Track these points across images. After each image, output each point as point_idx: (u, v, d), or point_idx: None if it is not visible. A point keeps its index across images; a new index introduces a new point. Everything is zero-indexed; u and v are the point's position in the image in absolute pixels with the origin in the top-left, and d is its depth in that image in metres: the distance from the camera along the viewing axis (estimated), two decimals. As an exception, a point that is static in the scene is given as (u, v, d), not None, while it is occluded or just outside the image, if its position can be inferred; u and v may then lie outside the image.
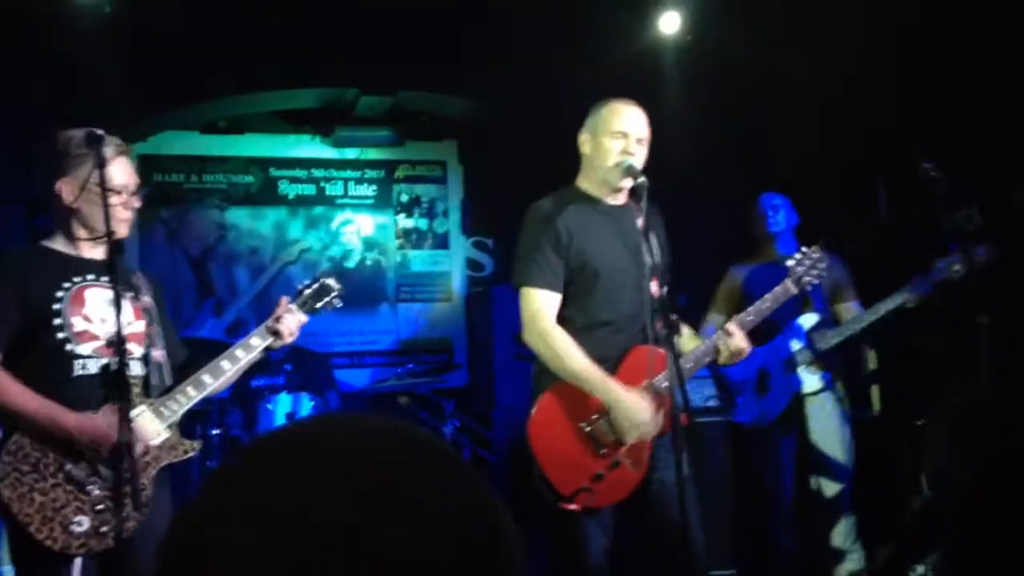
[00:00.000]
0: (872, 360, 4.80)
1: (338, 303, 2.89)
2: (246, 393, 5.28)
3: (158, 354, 2.66)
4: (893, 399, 4.65)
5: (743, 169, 5.31)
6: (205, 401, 4.97)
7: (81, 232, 2.59)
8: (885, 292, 3.93)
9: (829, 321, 4.17)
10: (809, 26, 4.74)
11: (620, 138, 2.92)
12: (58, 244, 2.60)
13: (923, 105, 4.50)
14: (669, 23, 5.29)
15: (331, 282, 2.87)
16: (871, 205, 4.62)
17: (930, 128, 4.38)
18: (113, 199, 2.53)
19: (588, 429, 2.82)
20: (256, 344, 2.71)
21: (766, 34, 4.98)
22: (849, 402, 4.28)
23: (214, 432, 5.03)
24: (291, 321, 2.74)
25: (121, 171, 2.60)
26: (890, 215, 4.33)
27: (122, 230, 2.61)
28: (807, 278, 3.09)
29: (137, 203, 2.64)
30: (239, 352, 2.68)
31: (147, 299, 2.71)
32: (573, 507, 2.78)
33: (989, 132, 4.20)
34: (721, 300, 4.38)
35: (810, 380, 4.13)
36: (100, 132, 2.43)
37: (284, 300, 2.79)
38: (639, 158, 2.92)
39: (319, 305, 2.85)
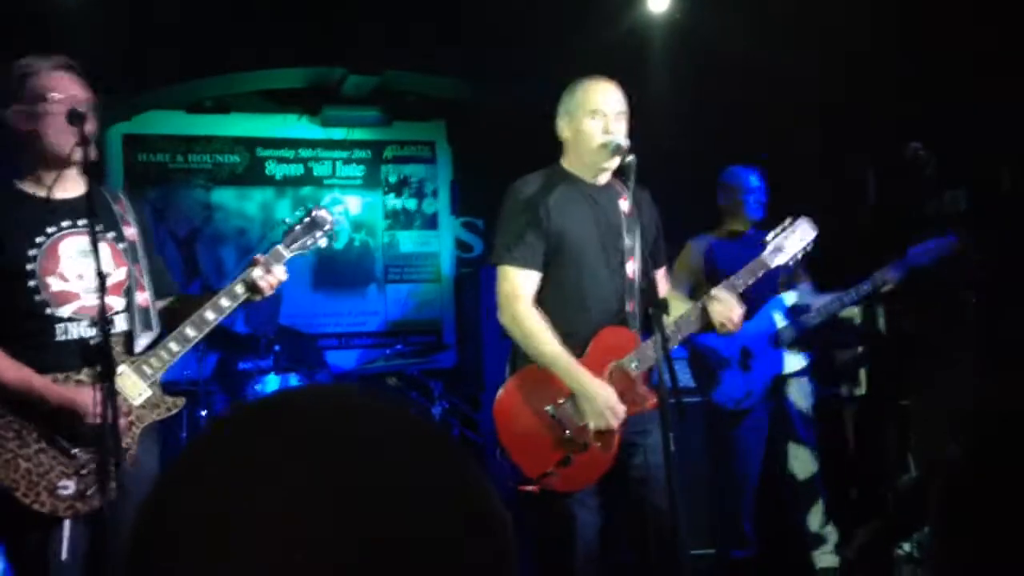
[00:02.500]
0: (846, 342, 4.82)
1: (332, 237, 2.71)
2: (234, 375, 5.26)
3: (142, 297, 2.56)
4: (880, 379, 4.67)
5: (732, 149, 5.30)
6: (192, 382, 5.02)
7: (45, 166, 2.45)
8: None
9: (810, 299, 4.16)
10: (798, 5, 4.72)
11: (599, 117, 2.88)
12: (28, 185, 2.47)
13: (916, 90, 4.49)
14: (658, 2, 5.26)
15: (324, 214, 2.68)
16: (861, 188, 4.61)
17: (922, 113, 4.38)
18: (53, 109, 2.39)
19: (553, 413, 2.80)
20: (241, 292, 2.57)
21: (755, 13, 4.96)
22: (824, 383, 4.31)
23: (202, 414, 5.02)
24: (279, 269, 2.59)
25: (63, 82, 2.44)
26: (879, 199, 4.32)
27: (73, 151, 2.41)
28: (790, 255, 3.03)
29: (91, 126, 2.42)
30: (223, 301, 2.55)
31: (131, 231, 2.60)
32: (531, 489, 2.78)
33: (980, 117, 4.20)
34: (684, 274, 4.26)
35: (792, 360, 4.13)
36: (81, 109, 2.37)
37: (260, 258, 2.61)
38: (620, 133, 2.88)
39: (310, 241, 2.66)
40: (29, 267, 2.42)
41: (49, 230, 2.46)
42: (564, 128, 2.97)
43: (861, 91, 4.75)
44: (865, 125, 4.71)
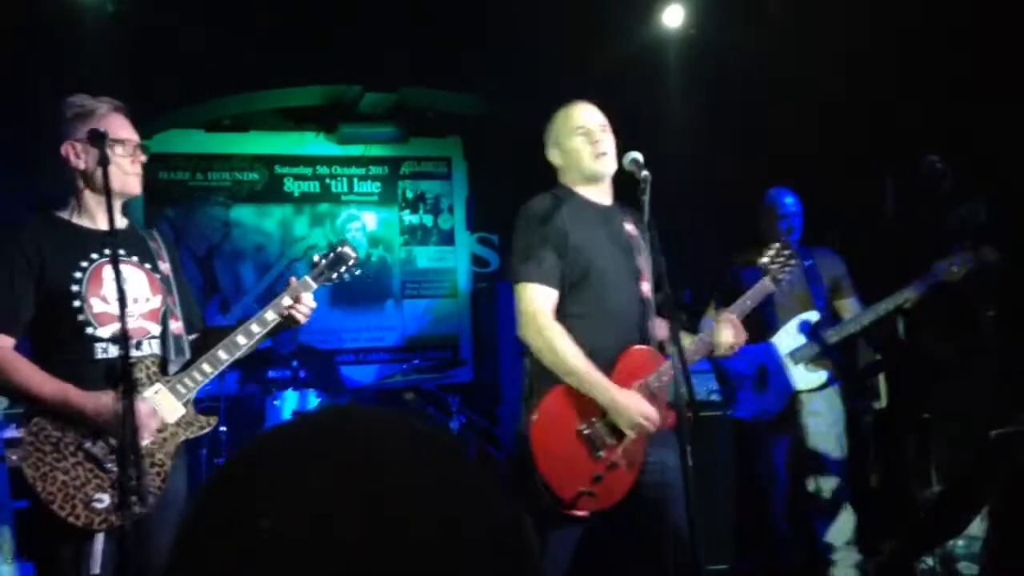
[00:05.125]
0: (868, 354, 4.82)
1: (356, 272, 2.85)
2: (253, 391, 5.29)
3: (175, 326, 2.68)
4: (899, 393, 4.63)
5: (746, 164, 5.30)
6: (213, 398, 5.05)
7: (91, 198, 2.59)
8: (890, 289, 3.95)
9: (829, 319, 4.19)
10: (813, 19, 4.73)
11: (584, 133, 2.94)
12: (72, 215, 2.59)
13: (930, 99, 4.48)
14: (673, 17, 5.28)
15: (347, 250, 2.83)
16: (879, 201, 4.61)
17: (938, 122, 4.36)
18: (118, 150, 2.56)
19: (587, 432, 2.79)
20: (271, 319, 2.70)
21: (770, 28, 4.96)
22: (848, 397, 4.32)
23: (222, 430, 5.04)
24: (307, 297, 2.73)
25: (117, 124, 2.60)
26: (898, 211, 4.32)
27: (132, 186, 2.63)
28: (780, 275, 3.11)
29: (143, 157, 2.65)
30: (254, 327, 2.68)
31: (166, 266, 2.72)
32: (581, 514, 2.76)
33: (998, 127, 4.18)
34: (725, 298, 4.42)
35: (810, 377, 4.14)
36: (103, 130, 2.44)
37: (293, 280, 2.76)
38: (608, 144, 2.94)
39: (335, 275, 2.83)
40: (75, 288, 2.51)
41: (93, 256, 2.56)
42: (556, 156, 3.02)
43: (881, 105, 4.74)
44: (885, 138, 4.70)
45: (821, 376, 4.14)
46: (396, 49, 5.67)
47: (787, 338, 4.16)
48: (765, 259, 3.12)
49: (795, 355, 4.14)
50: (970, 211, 3.55)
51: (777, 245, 3.15)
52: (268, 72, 5.82)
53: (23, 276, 2.47)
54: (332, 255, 2.81)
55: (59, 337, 2.49)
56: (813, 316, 4.15)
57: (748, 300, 3.08)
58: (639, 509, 2.85)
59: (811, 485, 4.17)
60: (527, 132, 6.38)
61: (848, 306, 4.24)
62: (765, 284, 3.11)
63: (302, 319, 2.73)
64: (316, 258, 2.83)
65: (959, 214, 3.56)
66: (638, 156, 2.85)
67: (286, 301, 2.70)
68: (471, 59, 5.82)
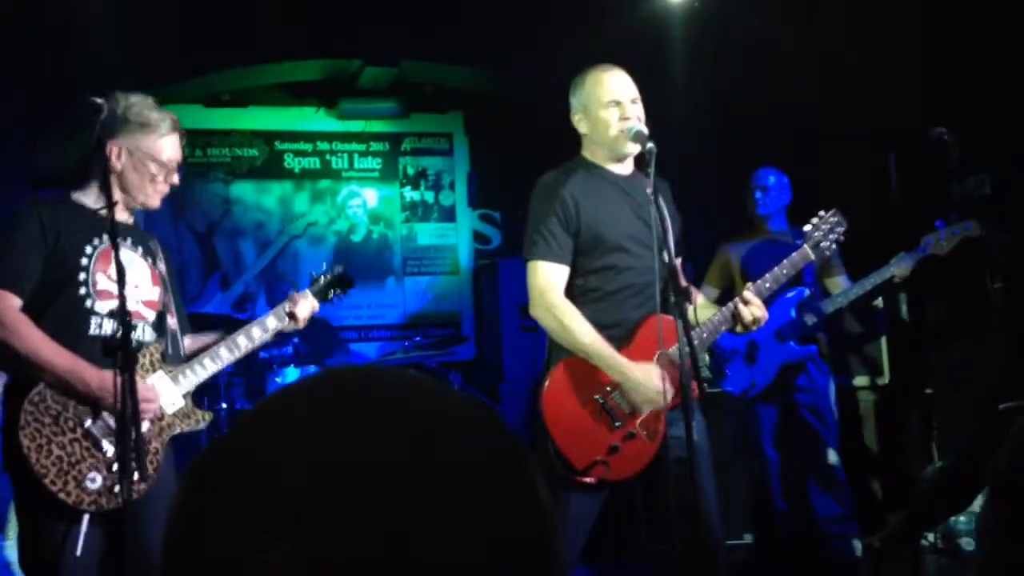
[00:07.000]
0: (855, 327, 4.85)
1: (344, 291, 3.10)
2: (253, 367, 5.28)
3: (172, 322, 2.73)
4: (903, 367, 4.63)
5: (750, 139, 5.27)
6: (212, 375, 5.05)
7: (116, 194, 2.63)
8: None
9: (818, 295, 4.22)
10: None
11: (614, 107, 2.87)
12: (90, 200, 2.62)
13: (936, 75, 4.44)
14: (676, -11, 5.22)
15: (343, 272, 3.09)
16: (882, 176, 4.58)
17: (943, 97, 4.32)
18: (157, 172, 2.65)
19: (602, 402, 2.78)
20: (272, 325, 2.84)
21: (774, 2, 4.91)
22: (836, 372, 4.38)
23: (222, 406, 5.03)
24: (305, 307, 2.90)
25: (171, 147, 2.70)
26: (901, 186, 4.30)
27: (155, 202, 2.72)
28: (825, 243, 3.03)
29: (176, 179, 2.73)
30: (255, 331, 2.80)
31: (163, 266, 2.78)
32: (589, 480, 2.74)
33: (1003, 102, 4.14)
34: (714, 275, 4.51)
35: (798, 352, 4.16)
36: (99, 101, 2.43)
37: (295, 294, 2.93)
38: (638, 118, 2.87)
39: (331, 295, 3.05)
40: (84, 261, 2.53)
41: (104, 237, 2.59)
42: (580, 122, 2.95)
43: (887, 76, 4.70)
44: (890, 109, 4.66)
45: (809, 351, 4.17)
46: (396, 22, 5.62)
47: (776, 313, 4.15)
48: (809, 226, 3.05)
49: (784, 330, 4.15)
50: (977, 183, 3.53)
51: (823, 212, 3.06)
52: (268, 46, 5.77)
53: (37, 243, 2.48)
54: (332, 276, 3.03)
55: (56, 307, 2.48)
56: (802, 292, 4.16)
57: (784, 269, 2.98)
58: (663, 483, 2.82)
59: (804, 460, 4.21)
60: (528, 107, 6.37)
61: (837, 284, 4.28)
62: (805, 252, 3.00)
63: (304, 313, 2.88)
64: (315, 276, 3.04)
65: (965, 186, 3.54)
66: (643, 129, 2.83)
67: (287, 307, 2.86)
68: (472, 33, 5.77)
